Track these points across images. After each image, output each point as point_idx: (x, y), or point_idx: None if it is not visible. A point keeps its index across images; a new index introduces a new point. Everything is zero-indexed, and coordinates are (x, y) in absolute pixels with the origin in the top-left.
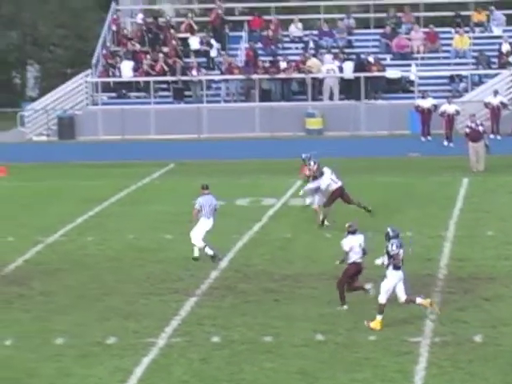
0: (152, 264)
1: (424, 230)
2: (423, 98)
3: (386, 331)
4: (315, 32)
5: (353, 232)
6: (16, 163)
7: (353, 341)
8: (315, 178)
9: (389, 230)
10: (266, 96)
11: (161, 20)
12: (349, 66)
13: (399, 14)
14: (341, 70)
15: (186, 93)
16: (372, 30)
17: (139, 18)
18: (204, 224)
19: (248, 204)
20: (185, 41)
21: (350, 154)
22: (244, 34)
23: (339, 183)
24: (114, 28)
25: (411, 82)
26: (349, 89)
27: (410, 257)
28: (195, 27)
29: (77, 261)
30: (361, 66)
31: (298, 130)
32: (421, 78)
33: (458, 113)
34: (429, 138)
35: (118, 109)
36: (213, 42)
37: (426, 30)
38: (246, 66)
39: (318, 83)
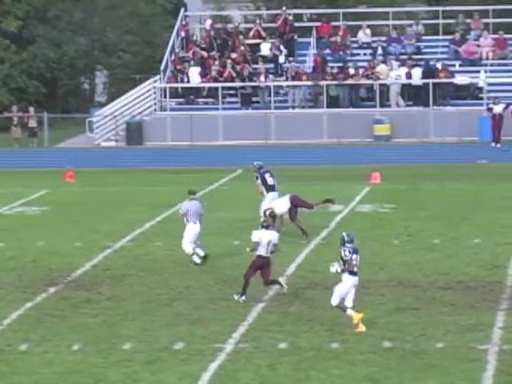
0: (220, 269)
1: (492, 237)
2: (494, 104)
3: (454, 338)
4: (384, 38)
5: (266, 227)
6: (84, 169)
7: (420, 348)
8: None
9: (344, 234)
10: (333, 102)
11: (229, 26)
12: (417, 73)
13: (468, 21)
14: (409, 76)
15: (254, 99)
16: (441, 37)
17: (208, 24)
18: (191, 229)
19: (315, 210)
20: (253, 47)
21: (419, 161)
22: (312, 40)
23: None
24: (182, 34)
25: (480, 89)
26: (417, 95)
27: (478, 264)
28: (263, 33)
29: (144, 266)
30: (429, 72)
31: (365, 136)
32: (490, 84)
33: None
34: (498, 145)
35: (186, 115)
36: (282, 48)
37: (495, 36)
38: (314, 72)
39: (386, 89)
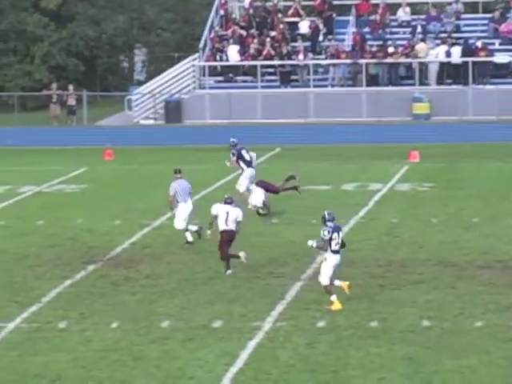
0: (257, 248)
1: None
2: None
3: (492, 317)
4: (423, 17)
5: (229, 203)
6: (123, 147)
7: (459, 327)
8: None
9: (325, 213)
10: (372, 81)
11: (268, 4)
12: (456, 51)
13: None
14: (448, 54)
15: (293, 77)
16: (480, 15)
17: (247, 2)
18: (183, 209)
19: (354, 189)
20: (292, 25)
21: (458, 140)
22: (351, 18)
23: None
24: (221, 12)
25: None
26: (456, 74)
27: None
28: (302, 12)
29: (183, 244)
30: (468, 50)
31: (404, 114)
32: None
33: None
34: None
35: (224, 93)
36: (320, 26)
37: None
38: (353, 50)
39: (425, 68)
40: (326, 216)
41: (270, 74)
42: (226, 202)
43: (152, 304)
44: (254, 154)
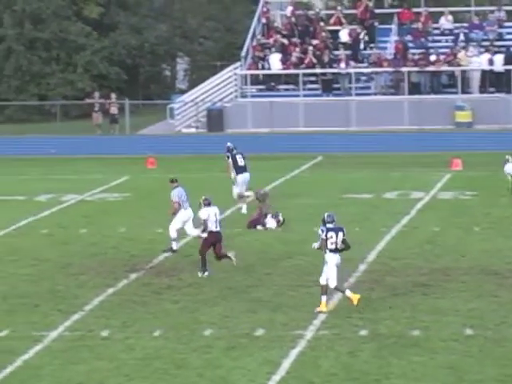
0: (299, 256)
1: None
2: None
3: None
4: (465, 25)
5: (208, 204)
6: (165, 155)
7: (502, 335)
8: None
9: (325, 215)
10: (415, 89)
11: (310, 13)
12: (499, 59)
13: None
14: (491, 62)
15: (335, 85)
16: None
17: (289, 10)
18: (183, 215)
19: (396, 197)
20: (334, 33)
21: (500, 148)
22: (393, 26)
23: None
24: (263, 20)
25: None
26: (499, 82)
27: None
28: (344, 20)
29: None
30: (511, 58)
31: (447, 123)
32: None
33: None
34: None
35: (266, 101)
36: (362, 34)
37: None
38: (395, 58)
39: (468, 76)
40: (326, 218)
41: (312, 82)
42: (205, 205)
43: (194, 312)
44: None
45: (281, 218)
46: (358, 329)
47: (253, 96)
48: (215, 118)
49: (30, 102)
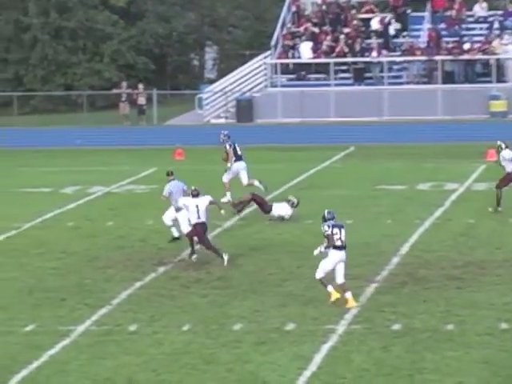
0: None
1: None
2: None
3: None
4: (500, 12)
5: (196, 195)
6: (194, 146)
7: None
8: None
9: (325, 212)
10: (448, 78)
11: (341, 0)
12: None
13: None
14: None
15: (367, 74)
16: None
17: None
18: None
19: (429, 188)
20: (365, 21)
21: None
22: (427, 14)
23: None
24: (293, 9)
25: None
26: None
27: None
28: (376, 8)
29: (255, 245)
30: None
31: (481, 112)
32: None
33: None
34: None
35: (297, 91)
36: (394, 22)
37: None
38: (428, 47)
39: (503, 65)
40: (326, 215)
41: (343, 71)
42: (193, 195)
43: (223, 306)
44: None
45: (294, 200)
46: (391, 323)
47: (283, 86)
48: (244, 109)
49: (55, 93)
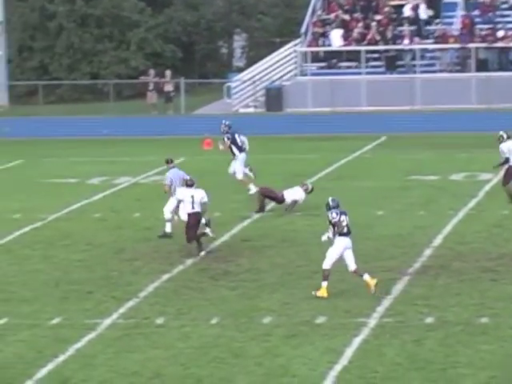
0: (363, 241)
1: None
2: None
3: None
4: None
5: (190, 185)
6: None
7: None
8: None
9: (329, 199)
10: (482, 66)
11: None
12: None
13: None
14: None
15: (399, 62)
16: None
17: None
18: (175, 199)
19: (463, 179)
20: (398, 8)
21: None
22: (460, 1)
23: None
24: None
25: None
26: None
27: None
28: None
29: (284, 237)
30: None
31: None
32: None
33: None
34: None
35: (327, 79)
36: (426, 9)
37: None
38: (462, 34)
39: None
40: (331, 203)
41: (375, 59)
42: (188, 185)
43: (252, 299)
44: (245, 138)
45: (309, 186)
46: (424, 316)
47: (313, 74)
48: (274, 97)
49: (81, 81)
